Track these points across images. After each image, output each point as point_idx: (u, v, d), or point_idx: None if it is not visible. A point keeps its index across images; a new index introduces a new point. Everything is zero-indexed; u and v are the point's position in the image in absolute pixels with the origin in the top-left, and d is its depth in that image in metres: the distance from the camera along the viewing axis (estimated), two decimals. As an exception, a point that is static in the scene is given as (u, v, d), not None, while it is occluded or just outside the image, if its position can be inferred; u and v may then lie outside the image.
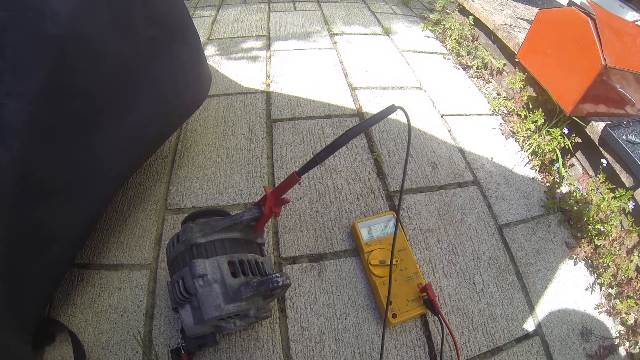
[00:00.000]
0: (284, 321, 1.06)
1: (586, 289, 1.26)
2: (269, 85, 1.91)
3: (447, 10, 2.85)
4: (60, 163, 0.84)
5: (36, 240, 0.84)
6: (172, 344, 0.99)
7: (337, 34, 2.49)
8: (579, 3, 2.39)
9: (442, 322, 1.02)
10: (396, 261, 1.13)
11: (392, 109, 0.79)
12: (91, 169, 0.93)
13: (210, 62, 2.06)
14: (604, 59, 1.31)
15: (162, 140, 1.29)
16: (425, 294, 1.07)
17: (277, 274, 0.82)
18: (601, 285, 1.26)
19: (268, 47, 2.28)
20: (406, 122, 0.79)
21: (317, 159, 0.77)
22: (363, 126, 0.78)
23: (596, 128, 1.45)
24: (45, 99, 0.77)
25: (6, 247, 0.76)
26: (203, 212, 0.96)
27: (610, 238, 1.29)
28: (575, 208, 1.39)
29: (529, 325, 1.14)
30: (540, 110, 1.68)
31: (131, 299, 1.08)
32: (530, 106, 1.77)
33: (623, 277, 1.22)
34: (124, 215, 1.28)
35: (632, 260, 1.22)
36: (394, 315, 1.04)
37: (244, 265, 0.86)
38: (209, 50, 2.23)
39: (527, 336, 1.12)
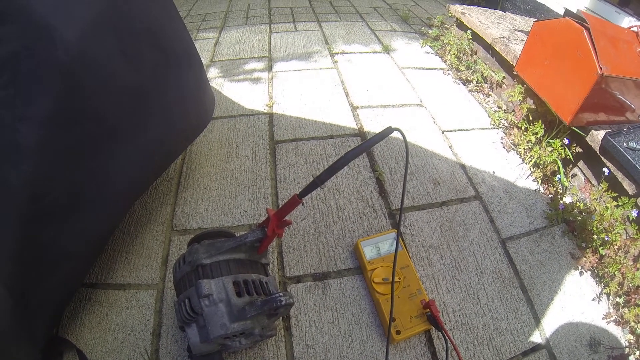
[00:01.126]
0: (289, 339, 1.06)
1: (593, 299, 1.25)
2: (271, 106, 1.94)
3: (446, 26, 2.90)
4: (71, 185, 0.87)
5: (47, 260, 0.86)
6: (179, 363, 1.00)
7: (337, 53, 2.54)
8: (575, 11, 2.41)
9: (446, 337, 1.03)
10: (399, 278, 1.14)
11: (389, 130, 0.82)
12: (101, 190, 0.96)
13: (213, 84, 2.11)
14: (600, 68, 1.32)
15: (168, 163, 1.32)
16: (428, 310, 1.07)
17: (281, 293, 0.84)
18: (608, 294, 1.26)
19: (270, 68, 2.33)
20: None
21: (318, 182, 0.80)
22: (361, 149, 0.80)
23: (596, 137, 1.46)
24: (56, 123, 0.80)
25: (18, 266, 0.78)
26: (208, 234, 0.98)
27: (615, 247, 1.29)
28: (578, 218, 1.40)
29: (536, 338, 1.13)
30: (540, 121, 1.70)
31: (138, 318, 1.09)
32: (530, 118, 1.78)
33: (630, 285, 1.21)
34: (131, 236, 1.30)
35: (638, 268, 1.21)
36: (398, 332, 1.04)
37: (249, 285, 0.88)
38: (212, 73, 2.28)
39: (534, 349, 1.11)
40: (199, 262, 0.87)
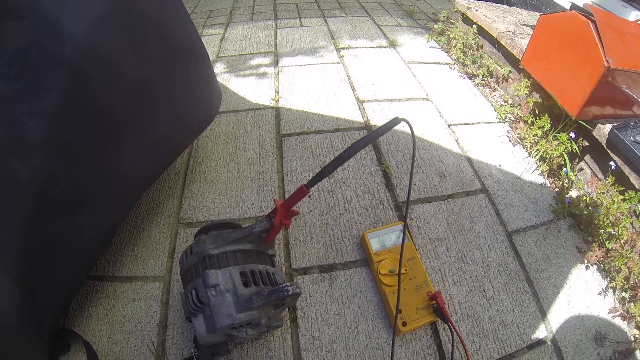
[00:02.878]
0: (295, 331, 1.07)
1: (599, 294, 1.25)
2: (277, 100, 1.95)
3: (451, 20, 2.88)
4: (78, 179, 0.88)
5: (54, 253, 0.87)
6: (185, 354, 1.01)
7: (343, 48, 2.54)
8: (581, 5, 2.40)
9: (452, 329, 1.03)
10: (405, 270, 1.14)
11: (396, 121, 0.82)
12: (108, 184, 0.97)
13: (219, 79, 2.11)
14: (607, 61, 1.31)
15: (175, 157, 1.32)
16: (434, 301, 1.07)
17: (288, 284, 0.84)
18: (614, 289, 1.25)
19: (276, 63, 2.33)
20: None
21: (325, 172, 0.80)
22: (369, 139, 0.80)
23: (603, 131, 1.45)
24: (64, 117, 0.80)
25: (26, 260, 0.79)
26: (215, 225, 0.98)
27: (622, 241, 1.28)
28: (585, 212, 1.39)
29: (541, 332, 1.13)
30: (547, 115, 1.69)
31: (145, 310, 1.10)
32: (537, 112, 1.78)
33: (636, 280, 1.21)
34: (138, 228, 1.31)
35: (644, 263, 1.21)
36: (404, 324, 1.04)
37: (256, 275, 0.89)
38: (218, 68, 2.29)
39: (539, 342, 1.11)
40: (206, 252, 0.88)
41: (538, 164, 1.65)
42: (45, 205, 0.81)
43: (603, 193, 1.43)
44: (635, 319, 1.16)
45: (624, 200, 1.35)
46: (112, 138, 0.95)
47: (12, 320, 0.77)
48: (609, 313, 1.20)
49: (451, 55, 2.50)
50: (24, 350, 0.82)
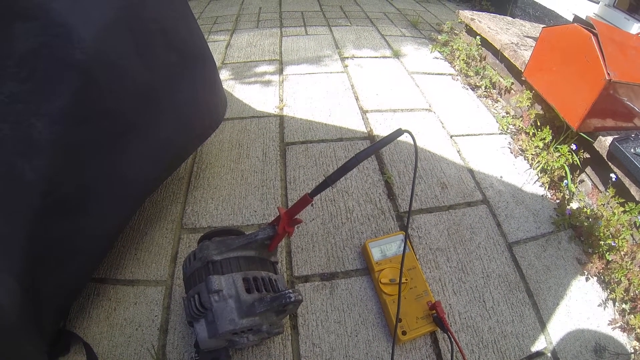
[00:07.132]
0: (296, 338, 1.08)
1: (599, 305, 1.25)
2: (282, 109, 1.96)
3: (455, 31, 2.91)
4: (83, 180, 0.89)
5: (57, 254, 0.88)
6: (186, 358, 1.02)
7: (347, 57, 2.56)
8: (584, 18, 2.42)
9: (452, 339, 1.03)
10: (406, 279, 1.15)
11: (399, 132, 0.83)
12: (112, 187, 0.98)
13: (224, 86, 2.12)
14: (608, 74, 1.33)
15: (179, 162, 1.34)
16: (434, 311, 1.08)
17: (290, 290, 0.85)
18: (614, 300, 1.26)
19: (281, 71, 2.35)
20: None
21: (329, 181, 0.81)
22: (372, 149, 0.82)
23: (604, 143, 1.46)
24: (71, 119, 0.82)
25: (29, 260, 0.80)
26: (219, 231, 1.00)
27: (622, 252, 1.29)
28: (585, 224, 1.40)
29: (541, 343, 1.13)
30: (548, 127, 1.70)
31: (146, 314, 1.11)
32: (538, 124, 1.79)
33: (636, 291, 1.21)
34: (141, 233, 1.32)
35: (644, 275, 1.22)
36: (404, 333, 1.05)
37: (258, 282, 0.90)
38: (223, 75, 2.31)
39: (539, 354, 1.11)
40: (209, 258, 0.89)
41: (539, 175, 1.66)
42: (49, 206, 0.82)
43: (604, 205, 1.44)
44: (635, 330, 1.16)
45: (625, 212, 1.36)
46: (117, 141, 0.96)
47: (13, 318, 0.77)
48: (608, 325, 1.20)
49: (454, 66, 2.52)
50: (24, 349, 0.83)
